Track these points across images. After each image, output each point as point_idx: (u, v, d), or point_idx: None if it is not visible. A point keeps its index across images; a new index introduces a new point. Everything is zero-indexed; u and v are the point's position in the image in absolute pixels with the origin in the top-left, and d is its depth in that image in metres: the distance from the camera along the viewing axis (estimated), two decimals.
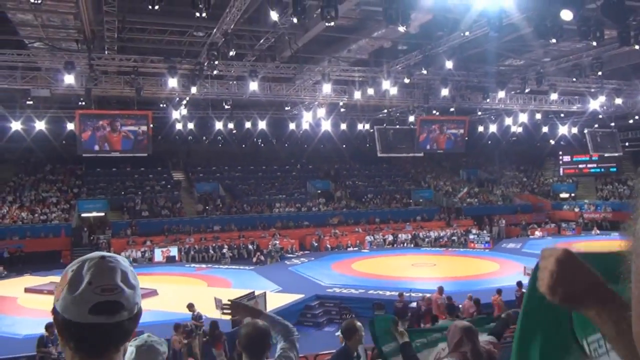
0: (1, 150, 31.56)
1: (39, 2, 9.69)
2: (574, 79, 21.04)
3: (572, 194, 41.83)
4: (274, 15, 12.19)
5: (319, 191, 38.23)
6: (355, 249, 30.44)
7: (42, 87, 19.61)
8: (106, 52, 18.10)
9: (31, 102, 22.98)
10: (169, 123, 27.56)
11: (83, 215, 31.80)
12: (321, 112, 25.31)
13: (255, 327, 3.23)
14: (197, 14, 10.82)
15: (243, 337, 3.13)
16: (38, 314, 16.30)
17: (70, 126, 25.10)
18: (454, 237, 32.22)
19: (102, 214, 32.02)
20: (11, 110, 24.07)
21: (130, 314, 1.29)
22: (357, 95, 22.16)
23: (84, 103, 20.27)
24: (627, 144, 35.54)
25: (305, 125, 28.00)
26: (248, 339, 3.11)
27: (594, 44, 14.16)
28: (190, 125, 28.17)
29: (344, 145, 38.32)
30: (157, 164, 37.60)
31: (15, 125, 24.69)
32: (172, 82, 18.56)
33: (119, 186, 35.13)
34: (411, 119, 26.48)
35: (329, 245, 30.53)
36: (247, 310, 3.38)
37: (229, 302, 3.44)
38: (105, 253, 1.35)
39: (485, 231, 32.65)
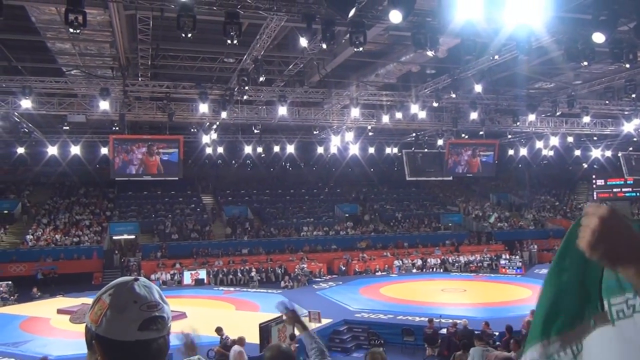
0: (38, 174, 32.50)
1: (78, 32, 10.03)
2: (607, 102, 20.72)
3: None
4: (303, 42, 12.36)
5: (347, 215, 38.13)
6: (383, 273, 30.13)
7: (78, 113, 20.20)
8: (140, 79, 18.58)
9: (67, 128, 23.64)
10: (199, 147, 28.01)
11: (114, 237, 32.37)
12: (349, 136, 25.37)
13: (280, 350, 3.29)
14: (228, 41, 11.04)
15: (267, 359, 3.20)
16: (70, 335, 16.55)
17: (103, 150, 25.70)
18: (484, 262, 31.62)
19: (133, 236, 32.53)
20: (48, 136, 24.81)
21: (169, 329, 1.40)
22: (385, 119, 22.19)
23: (117, 128, 20.77)
24: None
25: (333, 149, 28.11)
26: None
27: (627, 66, 13.96)
28: (220, 150, 28.54)
29: (372, 169, 38.26)
30: (187, 187, 38.13)
31: (52, 150, 25.41)
32: (203, 108, 18.92)
33: (150, 209, 35.69)
34: (440, 142, 26.35)
35: (357, 269, 30.29)
36: (298, 321, 3.60)
37: (292, 311, 3.69)
38: (137, 277, 1.44)
39: (516, 256, 31.95)
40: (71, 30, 10.03)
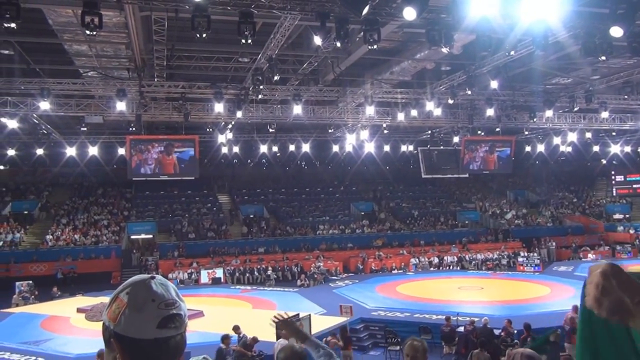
0: (57, 175, 32.96)
1: (94, 33, 10.15)
2: (625, 96, 20.42)
3: (627, 215, 40.16)
4: (317, 40, 12.37)
5: (363, 213, 38.07)
6: (400, 271, 30.04)
7: (95, 114, 20.44)
8: (155, 80, 18.75)
9: (85, 129, 23.93)
10: (214, 147, 28.18)
11: (132, 237, 32.69)
12: (364, 134, 25.32)
13: (293, 351, 3.29)
14: (243, 41, 11.08)
15: None
16: (89, 334, 16.77)
17: (120, 151, 25.98)
18: (501, 260, 31.36)
19: (151, 236, 32.82)
20: (66, 137, 25.14)
21: (185, 326, 1.41)
22: (400, 116, 22.12)
23: (134, 129, 20.98)
24: None
25: (348, 147, 28.09)
26: None
27: None
28: (236, 149, 28.68)
29: (388, 167, 38.15)
30: (203, 187, 38.38)
31: (70, 151, 25.76)
32: (218, 107, 19.04)
33: (167, 209, 35.98)
34: (455, 139, 26.19)
35: (373, 267, 30.24)
36: (294, 331, 3.32)
37: (279, 318, 3.44)
38: (153, 275, 1.46)
39: (534, 254, 31.64)
40: (87, 32, 10.15)
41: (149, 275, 1.44)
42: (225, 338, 12.04)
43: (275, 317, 3.47)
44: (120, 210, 35.47)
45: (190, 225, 33.89)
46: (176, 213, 35.63)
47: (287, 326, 3.36)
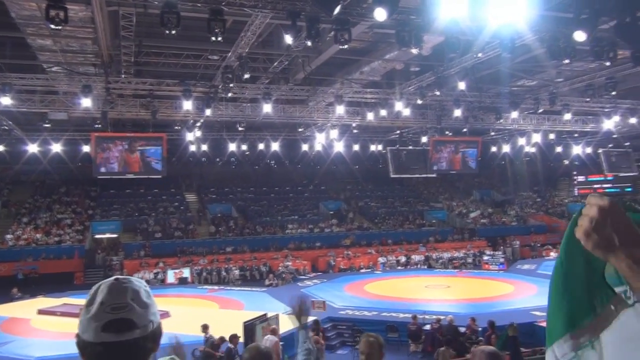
0: (18, 173, 32.01)
1: (59, 28, 9.89)
2: (588, 99, 21.00)
3: None
4: (288, 39, 12.32)
5: (332, 212, 38.19)
6: (368, 270, 30.23)
7: (59, 111, 19.95)
8: (122, 76, 18.39)
9: (48, 125, 23.35)
10: (182, 145, 27.82)
11: (96, 236, 32.02)
12: (334, 133, 25.40)
13: (258, 351, 3.33)
14: (213, 38, 10.97)
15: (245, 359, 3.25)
16: (51, 336, 16.38)
17: (85, 148, 25.41)
18: (467, 259, 31.90)
19: (115, 235, 32.22)
20: (29, 133, 24.45)
21: (143, 332, 1.33)
22: (370, 116, 22.26)
23: (100, 126, 20.54)
24: None
25: (318, 147, 28.12)
26: None
27: (608, 64, 14.19)
28: (204, 147, 28.38)
29: (357, 166, 38.34)
30: (171, 185, 37.85)
31: (32, 148, 25.07)
32: (187, 105, 18.80)
33: (133, 208, 35.38)
34: (424, 139, 26.49)
35: (342, 267, 30.36)
36: (301, 316, 3.93)
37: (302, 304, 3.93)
38: (121, 276, 1.42)
39: (499, 252, 32.28)
40: (52, 26, 9.90)
41: (115, 277, 1.42)
42: (233, 337, 11.92)
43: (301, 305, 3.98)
44: (85, 209, 34.68)
45: (156, 225, 33.40)
46: (142, 212, 35.05)
47: (301, 309, 3.91)
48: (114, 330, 1.29)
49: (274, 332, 12.41)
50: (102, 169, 19.26)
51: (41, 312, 19.36)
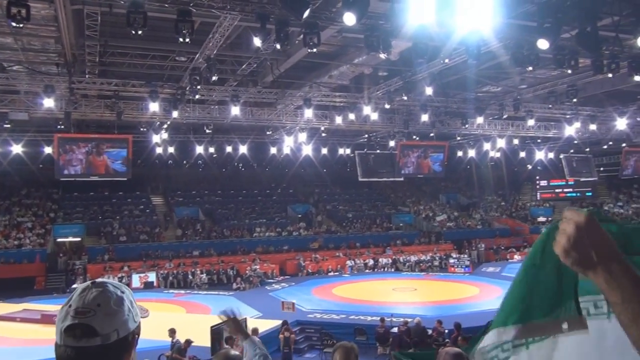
0: None
1: (21, 26, 9.61)
2: (550, 106, 21.56)
3: (549, 218, 42.39)
4: (256, 42, 12.27)
5: (300, 215, 38.15)
6: (336, 273, 30.30)
7: (20, 111, 19.37)
8: (87, 76, 17.99)
9: (8, 125, 22.62)
10: (149, 147, 27.36)
11: (59, 240, 31.19)
12: (302, 136, 25.41)
13: (227, 357, 3.27)
14: (180, 40, 10.84)
15: None
16: (11, 343, 15.88)
17: (47, 150, 24.75)
18: (434, 262, 32.30)
19: (79, 239, 31.45)
20: None
21: (104, 341, 1.27)
22: (339, 120, 22.35)
23: (63, 127, 20.03)
24: (601, 169, 36.28)
25: (286, 150, 28.06)
26: None
27: (569, 72, 14.58)
28: (171, 150, 27.99)
29: (325, 170, 38.42)
30: (136, 188, 37.21)
31: None
32: (154, 107, 18.51)
33: (97, 211, 34.63)
34: (391, 143, 26.72)
35: (310, 270, 30.36)
36: (238, 329, 3.50)
37: (230, 317, 3.53)
38: (99, 279, 1.40)
39: (465, 255, 32.80)
40: (13, 24, 9.61)
41: (94, 280, 1.38)
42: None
43: (224, 312, 3.56)
44: (46, 211, 33.76)
45: (121, 228, 32.77)
46: (106, 215, 34.35)
47: (234, 323, 3.49)
48: (72, 335, 1.26)
49: (255, 332, 12.36)
50: (65, 171, 18.77)
51: (0, 318, 18.74)
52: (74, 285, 25.73)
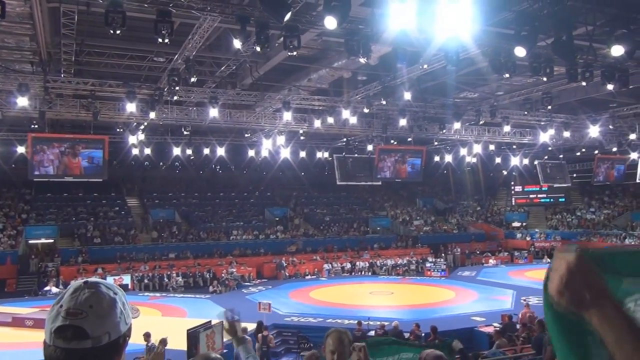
0: None
1: None
2: (525, 112, 21.92)
3: (524, 223, 43.09)
4: (237, 44, 12.21)
5: (277, 218, 38.06)
6: (313, 277, 30.28)
7: None
8: (62, 75, 17.71)
9: None
10: (125, 148, 27.01)
11: (30, 241, 30.57)
12: (281, 139, 25.37)
13: (207, 358, 3.24)
14: (160, 40, 10.74)
15: None
16: None
17: (20, 149, 24.27)
18: (410, 265, 32.50)
19: (51, 240, 30.87)
20: None
21: (95, 343, 1.26)
22: (317, 123, 22.38)
23: (36, 126, 19.67)
24: (574, 175, 36.99)
25: (264, 153, 27.97)
26: None
27: (544, 79, 14.85)
28: (147, 151, 27.68)
29: (303, 173, 38.37)
30: (111, 189, 36.70)
31: None
32: (131, 107, 18.29)
33: (70, 212, 34.05)
34: (370, 148, 26.86)
35: (287, 273, 30.28)
36: (234, 333, 3.43)
37: (234, 321, 3.50)
38: (93, 279, 1.37)
39: (441, 259, 33.09)
40: None
41: (86, 279, 1.36)
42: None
43: (225, 315, 3.53)
44: (18, 212, 33.05)
45: (95, 230, 32.27)
46: (80, 217, 33.79)
47: (231, 327, 3.44)
48: (62, 337, 1.24)
49: (245, 331, 12.43)
50: (38, 172, 18.41)
51: None
52: (46, 288, 25.31)
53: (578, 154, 32.49)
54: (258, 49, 11.58)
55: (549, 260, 33.42)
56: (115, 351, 1.30)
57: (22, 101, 16.82)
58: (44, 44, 14.86)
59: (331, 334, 3.50)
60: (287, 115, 20.45)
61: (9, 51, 16.65)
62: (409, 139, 26.12)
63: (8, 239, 29.67)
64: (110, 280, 26.45)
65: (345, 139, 28.42)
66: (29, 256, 29.33)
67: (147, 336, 12.73)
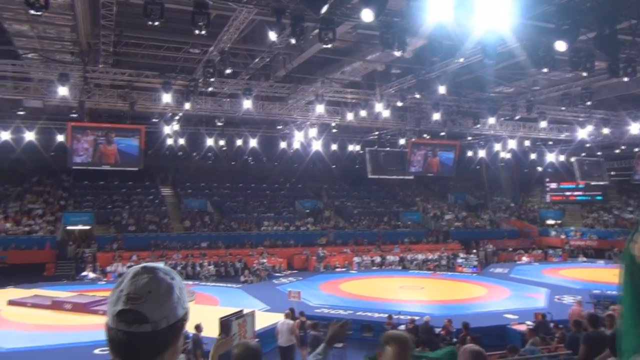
0: None
1: (40, 14, 9.68)
2: (563, 108, 21.40)
3: (559, 221, 42.19)
4: (272, 36, 12.26)
5: (308, 211, 38.19)
6: (343, 269, 30.33)
7: (34, 98, 19.51)
8: (100, 66, 18.09)
9: (22, 113, 22.84)
10: (159, 138, 27.48)
11: (68, 228, 31.44)
12: (313, 132, 25.41)
13: (247, 347, 3.28)
14: (196, 32, 10.86)
15: (235, 356, 3.19)
16: (21, 327, 16.06)
17: (60, 138, 24.92)
18: (441, 261, 32.23)
19: (88, 227, 31.68)
20: (1, 121, 23.89)
21: (154, 327, 1.30)
22: (350, 116, 22.32)
23: (76, 115, 20.15)
24: (613, 173, 36.00)
25: (296, 145, 28.08)
26: (239, 359, 3.17)
27: (585, 74, 14.47)
28: (181, 141, 28.10)
29: (334, 166, 38.40)
30: (145, 178, 37.40)
31: (5, 136, 24.47)
32: (166, 98, 18.58)
33: (106, 200, 34.85)
34: (402, 141, 26.67)
35: (317, 265, 30.39)
36: (335, 336, 3.47)
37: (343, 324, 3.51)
38: (150, 264, 1.40)
39: (472, 255, 32.70)
40: (32, 12, 9.67)
41: (144, 265, 1.40)
42: (197, 327, 12.05)
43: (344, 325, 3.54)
44: (57, 199, 34.01)
45: (130, 217, 32.96)
46: (116, 204, 34.56)
47: (338, 330, 3.48)
48: (123, 320, 1.28)
49: (288, 316, 13.08)
50: (77, 159, 18.88)
51: (11, 303, 18.92)
52: (83, 273, 26.01)
53: (617, 151, 31.64)
54: (293, 41, 11.61)
55: (584, 259, 32.76)
56: (173, 335, 1.34)
57: (63, 90, 17.25)
58: (84, 35, 15.20)
59: (390, 341, 2.93)
60: (320, 108, 20.46)
61: (50, 42, 17.08)
62: (442, 133, 25.84)
63: (47, 225, 30.58)
64: None
65: (377, 133, 28.32)
66: (67, 242, 30.19)
67: (198, 328, 12.75)
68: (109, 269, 26.76)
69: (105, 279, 25.75)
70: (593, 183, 31.35)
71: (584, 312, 13.74)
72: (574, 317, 13.35)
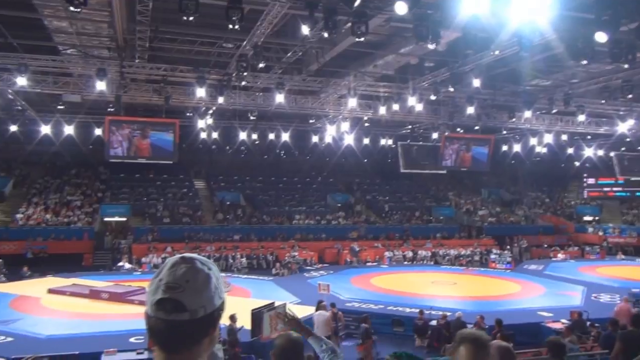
0: (30, 153, 32.24)
1: (79, 10, 9.92)
2: (603, 101, 20.79)
3: (596, 217, 41.09)
4: (305, 30, 12.28)
5: (339, 204, 38.20)
6: (374, 264, 30.26)
7: (73, 93, 20.03)
8: (136, 61, 18.43)
9: (62, 107, 23.48)
10: (193, 132, 27.88)
11: (105, 219, 32.25)
12: (345, 125, 25.37)
13: (289, 339, 3.27)
14: (230, 26, 10.96)
15: (277, 348, 3.19)
16: (61, 315, 16.60)
17: (98, 131, 25.53)
18: (474, 256, 31.83)
19: (124, 219, 32.42)
20: (42, 115, 24.61)
21: (192, 316, 1.33)
22: (382, 110, 22.19)
23: (113, 109, 20.60)
24: None
25: (328, 139, 28.09)
26: (282, 350, 3.17)
27: (625, 66, 14.03)
28: (215, 135, 28.43)
29: (366, 160, 38.28)
30: (180, 171, 38.01)
31: (45, 129, 25.21)
32: (200, 92, 18.82)
33: (142, 192, 35.57)
34: (435, 135, 26.39)
35: (348, 259, 30.41)
36: (300, 327, 3.57)
37: (291, 316, 3.68)
38: (188, 254, 1.43)
39: (506, 251, 32.18)
40: (72, 8, 9.93)
41: (182, 255, 1.43)
42: (232, 317, 12.45)
43: (284, 314, 3.72)
44: (94, 191, 34.91)
45: (165, 210, 33.57)
46: (151, 197, 35.25)
47: (293, 323, 3.62)
48: (162, 309, 1.32)
49: (324, 307, 13.21)
50: (114, 153, 19.32)
51: (51, 291, 19.56)
52: (120, 264, 26.64)
53: None
54: (326, 35, 11.62)
55: (623, 256, 31.88)
56: (210, 324, 1.37)
57: (101, 85, 17.66)
58: (121, 30, 15.51)
59: (464, 342, 2.72)
60: (352, 102, 20.42)
61: (88, 37, 17.48)
62: (476, 128, 25.45)
63: (85, 216, 31.41)
64: None
65: (410, 127, 28.08)
66: (104, 233, 30.98)
67: (232, 318, 12.95)
68: (144, 259, 27.33)
69: (140, 270, 26.33)
70: (633, 179, 30.46)
71: (633, 310, 13.18)
72: (622, 314, 12.82)
